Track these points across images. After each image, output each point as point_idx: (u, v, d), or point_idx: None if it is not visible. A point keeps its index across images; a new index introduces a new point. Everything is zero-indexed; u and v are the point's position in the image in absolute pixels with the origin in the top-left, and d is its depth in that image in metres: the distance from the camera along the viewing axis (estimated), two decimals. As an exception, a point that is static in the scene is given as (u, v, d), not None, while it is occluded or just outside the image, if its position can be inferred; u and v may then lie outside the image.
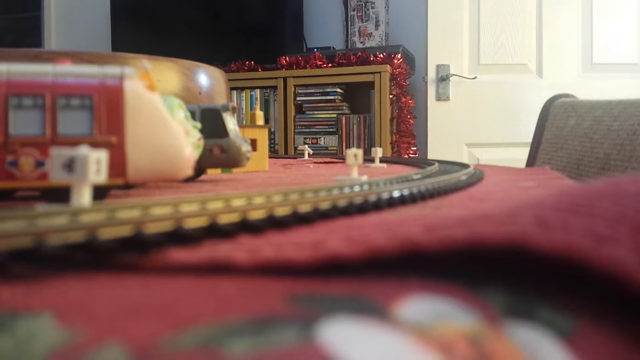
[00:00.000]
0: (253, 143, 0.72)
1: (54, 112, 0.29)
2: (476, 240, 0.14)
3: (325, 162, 0.98)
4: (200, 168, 0.52)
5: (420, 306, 0.13)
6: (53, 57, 0.73)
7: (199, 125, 0.47)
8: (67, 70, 0.30)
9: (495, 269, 0.15)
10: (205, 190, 0.44)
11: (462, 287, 0.14)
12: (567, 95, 1.18)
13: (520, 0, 2.22)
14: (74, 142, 0.28)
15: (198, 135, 0.45)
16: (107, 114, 0.29)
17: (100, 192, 0.31)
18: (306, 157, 1.05)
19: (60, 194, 0.29)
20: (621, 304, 0.15)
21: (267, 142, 0.77)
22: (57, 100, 0.29)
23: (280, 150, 2.37)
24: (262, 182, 0.52)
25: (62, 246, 0.16)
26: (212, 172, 0.64)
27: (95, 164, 0.23)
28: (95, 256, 0.16)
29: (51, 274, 0.15)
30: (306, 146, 1.07)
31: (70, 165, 0.22)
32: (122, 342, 0.10)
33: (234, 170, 0.67)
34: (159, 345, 0.10)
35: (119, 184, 0.29)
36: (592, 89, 2.04)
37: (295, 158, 1.11)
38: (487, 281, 0.14)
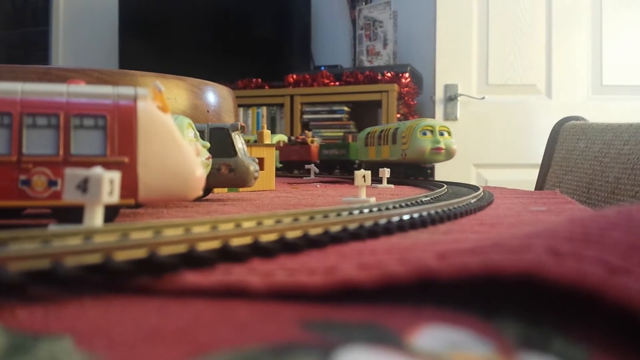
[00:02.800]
0: (260, 162, 0.73)
1: (67, 131, 0.29)
2: (490, 268, 0.14)
3: (331, 182, 0.98)
4: (207, 187, 0.52)
5: (435, 336, 0.13)
6: (62, 73, 0.73)
7: (207, 144, 0.47)
8: (81, 91, 0.30)
9: (508, 295, 0.15)
10: (214, 210, 0.44)
11: (477, 317, 0.14)
12: (577, 118, 1.18)
13: (529, 21, 2.22)
14: (86, 162, 0.28)
15: (207, 154, 0.45)
16: (119, 134, 0.29)
17: (110, 212, 0.31)
18: (312, 175, 1.05)
19: (72, 213, 0.29)
20: (634, 334, 0.15)
21: (274, 161, 0.77)
22: (71, 119, 0.29)
23: (286, 167, 2.37)
24: (270, 202, 0.52)
25: (78, 268, 0.16)
26: (219, 191, 0.64)
27: (109, 184, 0.23)
28: (111, 278, 0.16)
29: (68, 296, 0.15)
30: (312, 165, 1.07)
31: (84, 185, 0.22)
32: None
33: (241, 189, 0.67)
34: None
35: (129, 204, 0.30)
36: (602, 110, 2.04)
37: (302, 177, 1.11)
38: (501, 310, 0.14)
